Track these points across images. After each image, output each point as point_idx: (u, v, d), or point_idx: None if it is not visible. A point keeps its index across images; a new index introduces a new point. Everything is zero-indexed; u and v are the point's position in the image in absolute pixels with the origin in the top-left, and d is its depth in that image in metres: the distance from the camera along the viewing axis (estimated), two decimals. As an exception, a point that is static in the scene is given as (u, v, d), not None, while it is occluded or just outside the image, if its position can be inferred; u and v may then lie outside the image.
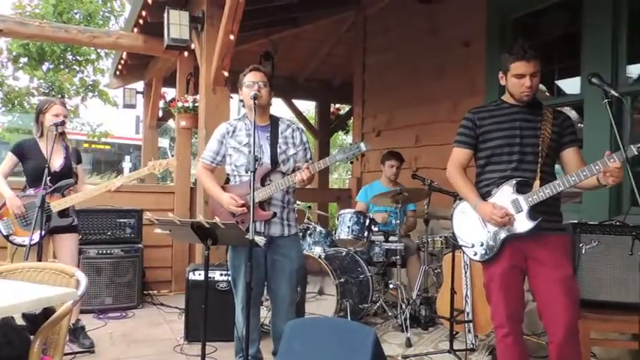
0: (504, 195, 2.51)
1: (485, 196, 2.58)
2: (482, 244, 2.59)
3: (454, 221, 2.73)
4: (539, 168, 2.49)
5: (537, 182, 2.46)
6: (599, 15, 3.67)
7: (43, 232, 3.40)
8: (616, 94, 2.26)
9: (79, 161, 3.72)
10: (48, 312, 1.95)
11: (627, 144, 2.22)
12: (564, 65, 4.13)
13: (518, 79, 2.48)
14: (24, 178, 3.65)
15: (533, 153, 2.51)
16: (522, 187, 2.49)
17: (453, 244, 3.69)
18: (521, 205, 2.46)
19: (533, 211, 2.45)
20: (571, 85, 4.18)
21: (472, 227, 2.63)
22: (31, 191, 3.51)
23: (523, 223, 2.46)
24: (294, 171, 2.91)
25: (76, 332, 3.68)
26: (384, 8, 6.16)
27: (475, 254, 2.62)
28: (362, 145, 2.74)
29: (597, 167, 2.25)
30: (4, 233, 3.49)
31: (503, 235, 2.52)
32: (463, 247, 2.69)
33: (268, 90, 2.93)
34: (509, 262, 2.53)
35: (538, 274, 2.50)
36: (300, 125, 3.17)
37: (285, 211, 2.96)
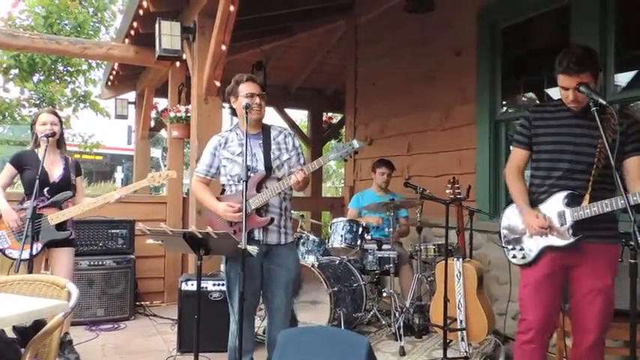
0: (554, 204, 2.48)
1: (534, 202, 2.56)
2: (522, 249, 2.59)
3: (502, 220, 2.72)
4: (592, 179, 2.41)
5: (587, 196, 2.40)
6: (587, 24, 3.72)
7: (40, 246, 3.38)
8: (604, 103, 2.26)
9: (78, 173, 3.70)
10: (39, 324, 1.94)
11: (615, 151, 2.24)
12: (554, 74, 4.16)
13: (563, 91, 2.43)
14: (21, 190, 3.63)
15: (586, 163, 2.43)
16: (573, 199, 2.43)
17: (445, 252, 3.70)
18: (567, 219, 2.43)
19: (577, 226, 2.40)
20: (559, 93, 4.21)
21: (516, 230, 2.63)
22: (28, 203, 3.45)
23: (564, 237, 2.44)
24: (289, 176, 2.90)
25: (63, 346, 3.59)
26: (375, 17, 6.21)
27: (514, 257, 2.63)
28: (355, 142, 2.75)
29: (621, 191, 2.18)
30: (0, 247, 3.45)
31: (542, 244, 2.50)
32: (504, 248, 2.69)
33: (264, 101, 2.96)
34: (547, 271, 2.50)
35: (577, 280, 2.49)
36: (291, 131, 3.17)
37: (283, 218, 2.96)
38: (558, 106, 2.56)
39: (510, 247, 2.65)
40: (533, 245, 2.55)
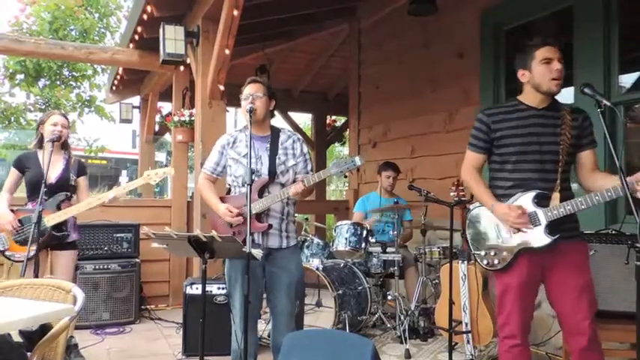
0: (523, 205, 2.42)
1: None
2: (495, 253, 2.50)
3: (468, 227, 2.64)
4: (559, 178, 2.40)
5: (557, 195, 2.37)
6: (591, 25, 3.71)
7: (35, 248, 3.36)
8: (608, 104, 2.24)
9: (81, 174, 3.66)
10: (45, 328, 1.94)
11: (620, 153, 2.23)
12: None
13: (546, 65, 2.39)
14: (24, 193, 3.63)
15: (552, 161, 2.42)
16: (541, 200, 2.39)
17: (450, 255, 3.70)
18: (540, 219, 2.37)
19: (552, 226, 2.36)
20: (564, 95, 4.19)
21: (486, 234, 2.55)
22: (29, 205, 3.48)
23: (540, 238, 2.37)
24: (294, 182, 2.90)
25: (69, 350, 3.59)
26: (378, 20, 6.22)
27: (487, 263, 2.53)
28: (357, 159, 2.70)
29: (625, 191, 2.13)
30: (0, 248, 3.46)
31: (517, 246, 2.43)
32: (475, 255, 2.60)
33: (265, 101, 2.93)
34: (528, 275, 2.44)
35: (557, 283, 2.44)
36: (301, 136, 3.15)
37: (284, 222, 2.95)
38: (514, 106, 2.54)
39: (483, 253, 2.55)
40: (507, 249, 2.47)
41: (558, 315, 2.49)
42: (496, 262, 2.50)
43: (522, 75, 2.49)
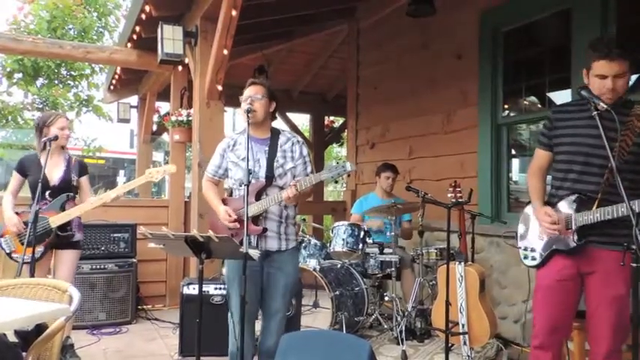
0: (564, 207, 2.46)
1: (551, 205, 2.53)
2: (533, 250, 2.60)
3: (520, 222, 2.73)
4: (604, 183, 2.35)
5: (596, 202, 2.35)
6: (589, 27, 3.71)
7: (42, 249, 3.40)
8: (605, 106, 2.25)
9: (82, 173, 3.70)
10: (41, 328, 1.94)
11: (617, 155, 2.22)
12: (555, 77, 4.17)
13: (600, 80, 2.32)
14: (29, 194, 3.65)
15: (600, 166, 2.36)
16: (582, 203, 2.39)
17: (447, 256, 3.70)
18: (572, 223, 2.41)
19: (583, 232, 2.38)
20: (562, 97, 4.21)
21: (530, 231, 2.64)
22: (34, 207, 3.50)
23: (569, 241, 2.44)
24: None
25: (64, 350, 3.59)
26: (377, 21, 6.22)
27: (525, 258, 2.64)
28: (347, 165, 2.70)
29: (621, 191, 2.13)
30: (7, 251, 3.49)
31: (549, 247, 2.50)
32: (519, 249, 2.70)
33: (264, 103, 2.91)
34: (559, 276, 2.47)
35: (592, 289, 2.45)
36: (301, 138, 3.13)
37: (283, 225, 2.94)
38: (579, 105, 2.49)
39: (523, 248, 2.65)
40: (541, 247, 2.56)
41: (587, 318, 2.50)
42: (531, 258, 2.61)
43: (585, 75, 2.45)
